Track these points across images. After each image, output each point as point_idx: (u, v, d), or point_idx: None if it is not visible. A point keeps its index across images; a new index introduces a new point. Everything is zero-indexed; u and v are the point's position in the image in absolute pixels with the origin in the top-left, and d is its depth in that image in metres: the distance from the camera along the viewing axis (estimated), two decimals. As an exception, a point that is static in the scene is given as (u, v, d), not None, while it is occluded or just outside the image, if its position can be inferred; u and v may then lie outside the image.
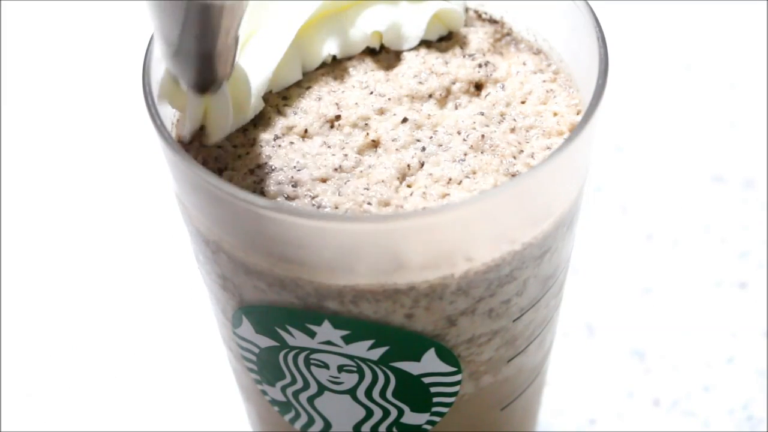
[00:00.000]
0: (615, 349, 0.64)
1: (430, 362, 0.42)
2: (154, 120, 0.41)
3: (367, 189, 0.41)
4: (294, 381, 0.45)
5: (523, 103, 0.44)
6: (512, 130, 0.43)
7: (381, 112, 0.44)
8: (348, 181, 0.42)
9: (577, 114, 0.44)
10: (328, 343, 0.42)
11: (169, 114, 0.44)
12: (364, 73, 0.46)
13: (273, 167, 0.42)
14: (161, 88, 0.41)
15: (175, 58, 0.39)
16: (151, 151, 0.50)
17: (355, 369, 0.43)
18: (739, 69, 0.80)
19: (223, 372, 0.60)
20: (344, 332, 0.41)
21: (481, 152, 0.42)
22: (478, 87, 0.45)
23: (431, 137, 0.43)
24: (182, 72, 0.40)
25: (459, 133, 0.43)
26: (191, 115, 0.42)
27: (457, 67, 0.46)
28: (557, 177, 0.40)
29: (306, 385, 0.45)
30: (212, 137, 0.43)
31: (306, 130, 0.43)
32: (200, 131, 0.43)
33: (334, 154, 0.42)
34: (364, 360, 0.42)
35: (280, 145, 0.43)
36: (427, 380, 0.43)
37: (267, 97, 0.45)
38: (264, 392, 0.47)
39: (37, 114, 0.81)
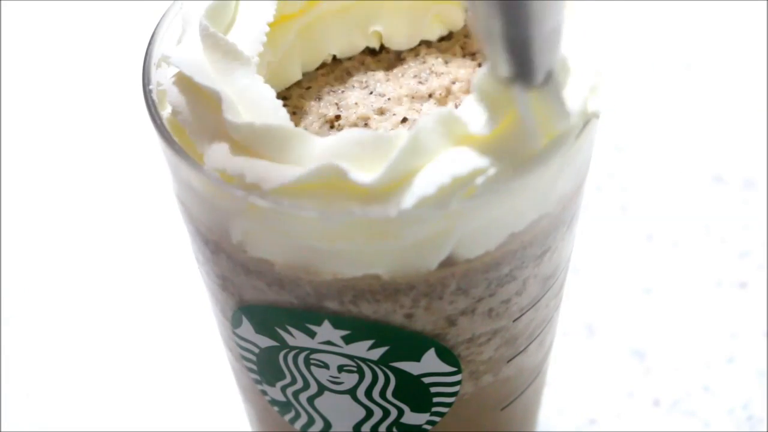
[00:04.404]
0: (615, 349, 0.64)
1: (430, 362, 0.42)
2: (154, 120, 0.41)
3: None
4: (294, 381, 0.45)
5: (523, 103, 0.44)
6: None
7: (381, 112, 0.44)
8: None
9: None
10: (328, 343, 0.42)
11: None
12: (364, 73, 0.46)
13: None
14: (479, 86, 0.37)
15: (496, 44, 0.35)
16: (151, 151, 0.50)
17: (355, 369, 0.43)
18: (739, 69, 0.80)
19: (223, 372, 0.60)
20: (344, 332, 0.41)
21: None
22: (478, 87, 0.45)
23: (431, 137, 0.43)
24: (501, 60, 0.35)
25: (459, 133, 0.43)
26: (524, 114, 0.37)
27: (457, 66, 0.45)
28: (557, 176, 0.40)
29: (306, 385, 0.45)
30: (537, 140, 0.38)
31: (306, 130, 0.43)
32: None
33: (334, 154, 0.42)
34: (364, 360, 0.42)
35: (280, 145, 0.43)
36: (427, 380, 0.43)
37: (267, 97, 0.45)
38: (264, 392, 0.47)
39: (38, 114, 0.81)
